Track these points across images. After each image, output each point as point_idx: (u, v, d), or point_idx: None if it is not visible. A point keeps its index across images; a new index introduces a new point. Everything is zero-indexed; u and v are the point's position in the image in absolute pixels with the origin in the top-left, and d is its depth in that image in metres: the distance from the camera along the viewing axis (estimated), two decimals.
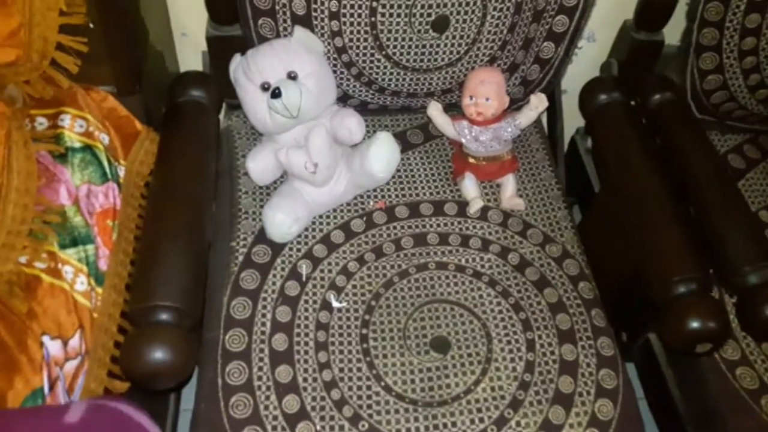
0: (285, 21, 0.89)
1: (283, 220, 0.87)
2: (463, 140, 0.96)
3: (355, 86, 0.97)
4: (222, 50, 0.96)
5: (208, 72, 1.01)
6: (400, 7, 0.87)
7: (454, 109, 1.01)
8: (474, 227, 0.94)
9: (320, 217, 0.93)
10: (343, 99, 0.99)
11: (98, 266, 0.74)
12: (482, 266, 0.90)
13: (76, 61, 0.74)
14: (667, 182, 0.88)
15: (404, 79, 0.96)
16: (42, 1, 0.67)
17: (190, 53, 1.07)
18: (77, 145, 0.77)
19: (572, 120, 1.10)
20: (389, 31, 0.90)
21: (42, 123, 0.76)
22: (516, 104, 1.02)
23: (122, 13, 0.79)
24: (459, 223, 0.94)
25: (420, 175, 0.99)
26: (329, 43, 0.91)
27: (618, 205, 0.91)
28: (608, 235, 0.93)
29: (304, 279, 0.87)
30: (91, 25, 0.76)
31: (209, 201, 0.85)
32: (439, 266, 0.90)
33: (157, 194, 0.79)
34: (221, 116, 1.00)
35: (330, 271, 0.88)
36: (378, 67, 0.94)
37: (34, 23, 0.68)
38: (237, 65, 0.90)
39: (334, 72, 0.94)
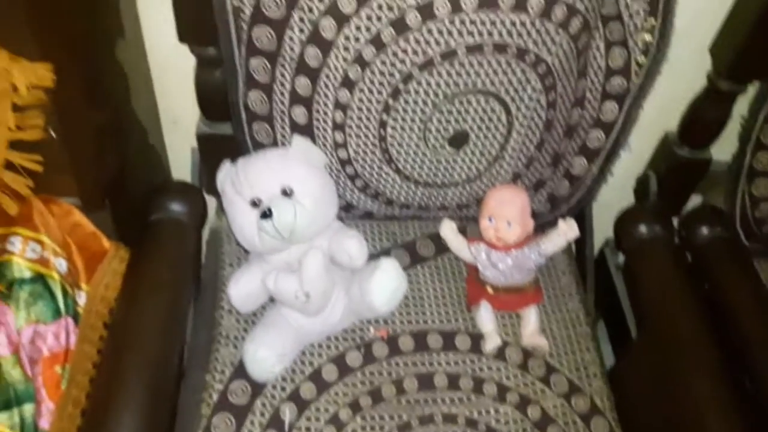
0: (283, 128, 0.79)
1: (266, 356, 0.75)
2: (480, 266, 0.83)
3: (359, 197, 0.86)
4: (214, 149, 0.86)
5: (197, 169, 0.91)
6: (413, 121, 0.76)
7: (471, 224, 0.89)
8: (489, 369, 0.81)
9: (311, 346, 0.81)
10: (346, 209, 0.88)
11: (38, 426, 0.62)
12: (497, 420, 0.77)
13: (28, 182, 0.63)
14: (716, 336, 0.75)
15: (415, 193, 0.85)
16: None
17: (180, 143, 0.96)
18: (27, 275, 0.66)
19: (601, 230, 0.98)
20: (400, 145, 0.79)
21: None
22: (542, 222, 0.90)
23: (88, 122, 0.68)
24: (472, 362, 0.82)
25: (429, 297, 0.87)
26: (332, 155, 0.80)
27: (659, 358, 0.78)
28: (645, 390, 0.80)
29: (286, 429, 0.74)
30: (53, 134, 0.65)
31: (177, 351, 0.74)
32: (447, 419, 0.77)
33: (118, 341, 0.67)
34: (211, 214, 0.90)
35: (318, 419, 0.76)
36: (386, 181, 0.83)
37: None
38: (225, 175, 0.79)
39: (337, 183, 0.82)
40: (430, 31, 0.69)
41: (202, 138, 0.86)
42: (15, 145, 0.62)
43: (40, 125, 0.62)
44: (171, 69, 0.89)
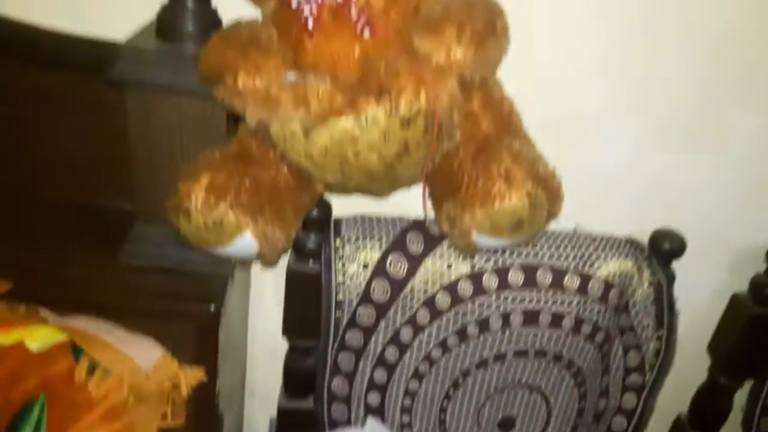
0: (359, 409, 0.94)
1: None
2: None
3: None
4: (292, 422, 0.99)
5: None
6: (469, 407, 0.92)
7: None
8: None
9: None
10: None
11: None
12: None
13: None
14: None
15: None
16: None
17: (255, 414, 1.10)
18: None
19: None
20: (456, 428, 0.93)
21: None
22: None
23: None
24: None
25: None
26: None
27: None
28: None
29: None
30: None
31: None
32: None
33: None
34: None
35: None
36: None
37: None
38: None
39: None
40: (485, 339, 0.87)
41: (282, 411, 1.01)
42: None
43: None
44: (258, 345, 1.07)
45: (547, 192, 0.67)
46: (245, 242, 0.71)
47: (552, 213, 0.70)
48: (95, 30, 0.84)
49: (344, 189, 0.76)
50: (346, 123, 0.63)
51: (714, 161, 0.94)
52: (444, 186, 0.72)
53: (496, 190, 0.65)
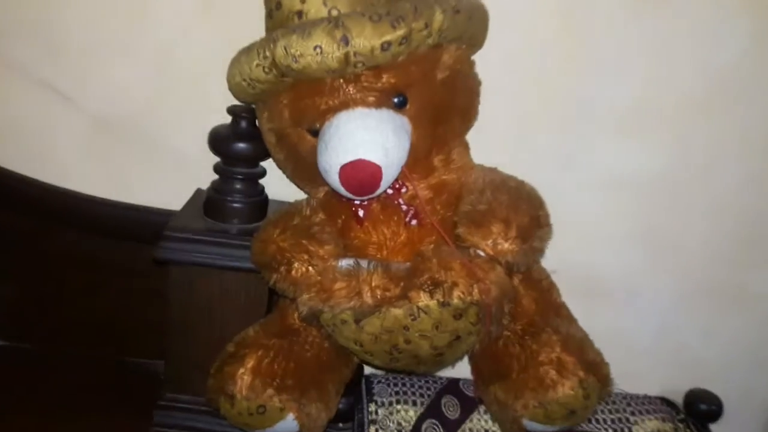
0: None
1: None
2: None
3: None
4: None
5: None
6: None
7: None
8: None
9: None
10: None
11: None
12: None
13: None
14: None
15: None
16: None
17: None
18: None
19: None
20: None
21: None
22: None
23: None
24: None
25: None
26: None
27: None
28: None
29: None
30: None
31: None
32: None
33: None
34: None
35: None
36: None
37: None
38: None
39: None
40: None
41: None
42: None
43: None
44: None
45: (598, 376, 0.68)
46: (287, 425, 0.70)
47: (602, 397, 0.70)
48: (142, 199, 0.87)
49: (388, 366, 0.76)
50: (398, 313, 0.63)
51: (741, 322, 0.95)
52: (491, 367, 0.72)
53: (549, 380, 0.66)
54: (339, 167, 0.63)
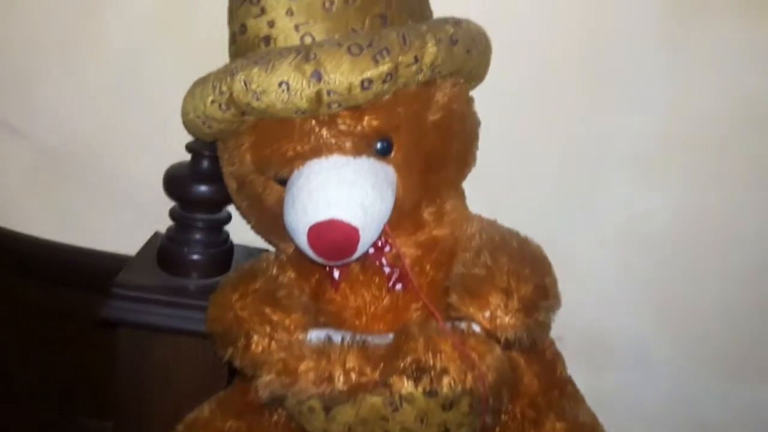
0: None
1: None
2: None
3: None
4: None
5: None
6: None
7: None
8: None
9: None
10: None
11: None
12: None
13: None
14: None
15: None
16: None
17: None
18: None
19: None
20: None
21: None
22: None
23: None
24: None
25: None
26: None
27: None
28: None
29: None
30: None
31: None
32: None
33: None
34: None
35: None
36: None
37: None
38: None
39: None
40: None
41: None
42: None
43: None
44: None
45: None
46: None
47: None
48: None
49: None
50: (375, 401, 0.53)
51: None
52: None
53: None
54: (308, 227, 0.53)
